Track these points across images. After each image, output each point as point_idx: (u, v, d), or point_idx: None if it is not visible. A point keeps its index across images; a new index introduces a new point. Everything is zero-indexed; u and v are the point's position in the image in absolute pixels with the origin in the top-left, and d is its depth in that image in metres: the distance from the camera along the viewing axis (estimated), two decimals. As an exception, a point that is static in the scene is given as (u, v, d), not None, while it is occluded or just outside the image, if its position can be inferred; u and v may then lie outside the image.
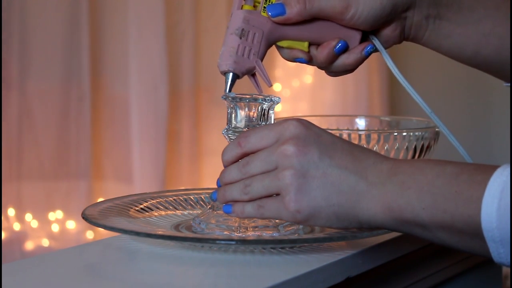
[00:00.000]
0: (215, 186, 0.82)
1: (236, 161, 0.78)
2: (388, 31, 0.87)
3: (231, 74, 0.85)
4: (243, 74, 0.86)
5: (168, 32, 2.02)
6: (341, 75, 0.89)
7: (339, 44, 0.85)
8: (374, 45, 0.87)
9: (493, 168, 0.67)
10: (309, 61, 0.86)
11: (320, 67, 0.88)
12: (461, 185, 0.67)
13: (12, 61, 1.78)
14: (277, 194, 0.74)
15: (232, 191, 0.77)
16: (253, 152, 0.76)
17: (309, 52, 0.86)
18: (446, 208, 0.68)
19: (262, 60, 0.86)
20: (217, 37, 2.20)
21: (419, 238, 0.73)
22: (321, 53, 0.85)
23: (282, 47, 0.87)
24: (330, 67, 0.87)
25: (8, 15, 1.77)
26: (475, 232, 0.66)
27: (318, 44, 0.86)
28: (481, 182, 0.66)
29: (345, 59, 0.86)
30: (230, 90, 0.84)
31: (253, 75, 0.87)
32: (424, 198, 0.69)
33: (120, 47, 1.97)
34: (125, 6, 1.96)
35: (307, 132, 0.73)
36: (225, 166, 0.79)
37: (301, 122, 0.74)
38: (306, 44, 0.86)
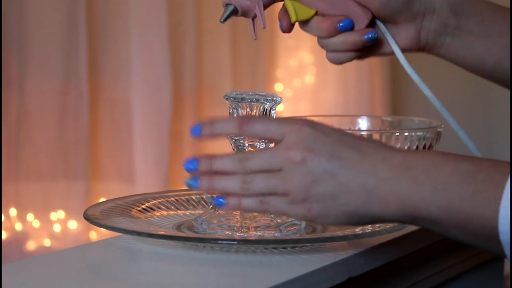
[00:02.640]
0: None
1: (225, 137, 0.77)
2: (403, 31, 0.86)
3: (231, 6, 0.84)
4: (242, 11, 0.84)
5: (171, 32, 2.02)
6: (339, 62, 0.87)
7: (346, 21, 0.84)
8: (377, 33, 0.86)
9: (509, 166, 0.65)
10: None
11: (319, 37, 0.85)
12: (478, 185, 0.66)
13: (11, 61, 1.78)
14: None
15: (227, 183, 0.73)
16: (250, 139, 0.76)
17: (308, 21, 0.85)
18: (462, 208, 0.66)
19: (265, 6, 0.85)
20: (219, 37, 2.20)
21: (422, 238, 0.73)
22: (324, 23, 0.84)
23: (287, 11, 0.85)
24: (328, 42, 0.85)
25: (7, 14, 1.76)
26: (491, 233, 0.65)
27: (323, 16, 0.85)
28: (499, 183, 0.65)
29: (345, 37, 0.84)
30: (223, 21, 0.84)
31: (253, 19, 0.86)
32: (439, 196, 0.68)
33: (122, 47, 1.96)
34: (126, 6, 1.96)
35: (314, 135, 0.71)
36: (211, 137, 0.76)
37: (308, 124, 0.72)
38: (313, 12, 0.85)
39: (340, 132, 0.73)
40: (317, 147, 0.71)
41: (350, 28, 0.84)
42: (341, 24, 0.84)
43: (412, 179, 0.69)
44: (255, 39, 0.85)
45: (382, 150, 0.71)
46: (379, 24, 0.86)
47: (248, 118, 0.75)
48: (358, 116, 1.14)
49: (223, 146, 2.29)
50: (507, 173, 0.65)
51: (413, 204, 0.69)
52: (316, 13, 0.85)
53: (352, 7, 0.85)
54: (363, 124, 1.13)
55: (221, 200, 0.74)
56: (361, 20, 0.85)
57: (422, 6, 0.85)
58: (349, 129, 1.07)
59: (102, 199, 1.88)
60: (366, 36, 0.85)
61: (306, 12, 0.85)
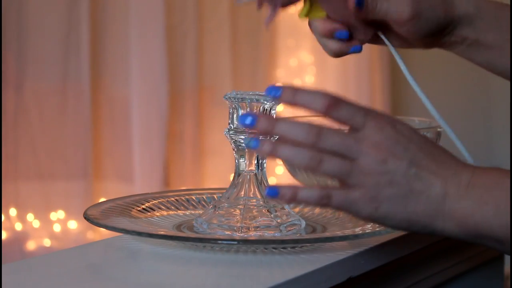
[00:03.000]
0: (217, 186, 0.82)
1: (305, 110, 0.71)
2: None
3: None
4: None
5: (170, 32, 2.02)
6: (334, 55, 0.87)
7: (343, 33, 0.84)
8: (361, 48, 0.86)
9: None
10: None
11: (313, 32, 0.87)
12: None
13: (10, 60, 1.78)
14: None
15: (294, 155, 0.69)
16: (330, 118, 0.71)
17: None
18: None
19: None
20: (219, 37, 2.20)
21: (422, 238, 0.73)
22: (325, 26, 0.84)
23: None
24: (319, 38, 0.86)
25: (6, 14, 1.76)
26: None
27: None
28: None
29: (334, 42, 0.85)
30: (239, 2, 0.85)
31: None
32: (502, 215, 0.68)
33: (121, 47, 1.96)
34: (126, 6, 1.96)
35: (397, 138, 0.70)
36: (290, 104, 0.71)
37: (391, 123, 0.71)
38: (323, 14, 0.85)
39: (419, 136, 0.72)
40: (399, 151, 0.70)
41: (345, 39, 0.85)
42: (337, 34, 0.85)
43: (477, 198, 0.69)
44: (266, 28, 0.87)
45: (454, 165, 0.71)
46: (384, 38, 0.87)
47: (337, 101, 0.71)
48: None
49: (223, 146, 2.29)
50: None
51: (475, 223, 0.69)
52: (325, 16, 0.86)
53: (357, 22, 0.85)
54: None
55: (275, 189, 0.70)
56: (360, 34, 0.86)
57: (451, 37, 0.85)
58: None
59: (102, 199, 1.88)
60: (352, 49, 0.86)
61: (318, 13, 0.85)
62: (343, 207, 0.70)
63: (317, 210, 0.94)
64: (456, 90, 2.80)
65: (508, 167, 0.74)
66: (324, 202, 0.70)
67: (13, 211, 1.82)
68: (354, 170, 0.69)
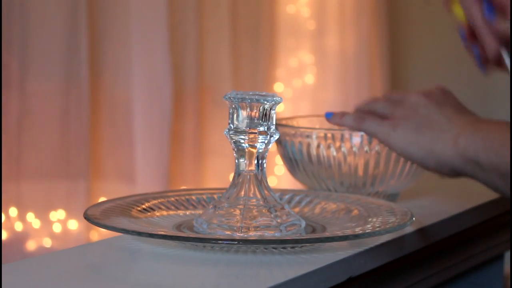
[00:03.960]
0: (217, 186, 0.82)
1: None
2: None
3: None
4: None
5: (172, 32, 2.02)
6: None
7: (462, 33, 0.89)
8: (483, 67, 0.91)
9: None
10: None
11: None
12: None
13: (12, 61, 1.78)
14: None
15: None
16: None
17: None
18: (499, 152, 0.76)
19: None
20: (220, 37, 2.20)
21: (422, 238, 0.73)
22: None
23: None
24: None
25: (8, 15, 1.77)
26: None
27: None
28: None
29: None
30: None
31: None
32: (487, 141, 0.78)
33: (123, 48, 1.97)
34: (127, 6, 1.96)
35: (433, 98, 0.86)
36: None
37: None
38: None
39: (456, 104, 0.87)
40: (432, 98, 0.86)
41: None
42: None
43: (474, 130, 0.80)
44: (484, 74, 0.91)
45: (472, 118, 0.84)
46: (504, 54, 0.87)
47: (360, 117, 0.87)
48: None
49: (223, 146, 2.29)
50: None
51: (465, 145, 0.79)
52: None
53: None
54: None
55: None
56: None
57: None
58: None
59: (102, 199, 1.88)
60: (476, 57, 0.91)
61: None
62: (371, 129, 0.85)
63: (317, 210, 0.94)
64: (456, 90, 2.80)
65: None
66: (359, 125, 0.86)
67: (13, 211, 1.82)
68: (393, 106, 0.86)
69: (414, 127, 0.84)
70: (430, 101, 0.85)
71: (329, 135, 1.00)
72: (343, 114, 0.89)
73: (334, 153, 1.00)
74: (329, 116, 0.90)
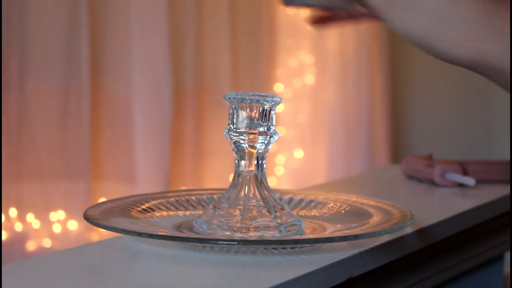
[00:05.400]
0: (217, 186, 0.82)
1: None
2: None
3: None
4: None
5: (172, 33, 2.03)
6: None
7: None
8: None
9: None
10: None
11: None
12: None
13: (11, 61, 1.78)
14: None
15: None
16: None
17: None
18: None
19: None
20: (219, 38, 2.21)
21: (421, 238, 0.73)
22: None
23: None
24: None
25: (8, 14, 1.77)
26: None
27: None
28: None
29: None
30: None
31: None
32: (483, 26, 0.71)
33: (123, 48, 1.97)
34: (127, 6, 1.96)
35: None
36: None
37: None
38: None
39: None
40: None
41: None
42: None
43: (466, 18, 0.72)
44: None
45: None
46: None
47: None
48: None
49: (223, 146, 2.29)
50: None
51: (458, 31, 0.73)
52: None
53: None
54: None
55: None
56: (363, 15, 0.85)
57: None
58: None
59: (102, 199, 1.88)
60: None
61: None
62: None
63: (317, 210, 0.94)
64: (456, 90, 2.80)
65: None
66: None
67: (13, 211, 1.82)
68: None
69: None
70: None
71: None
72: None
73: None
74: None
